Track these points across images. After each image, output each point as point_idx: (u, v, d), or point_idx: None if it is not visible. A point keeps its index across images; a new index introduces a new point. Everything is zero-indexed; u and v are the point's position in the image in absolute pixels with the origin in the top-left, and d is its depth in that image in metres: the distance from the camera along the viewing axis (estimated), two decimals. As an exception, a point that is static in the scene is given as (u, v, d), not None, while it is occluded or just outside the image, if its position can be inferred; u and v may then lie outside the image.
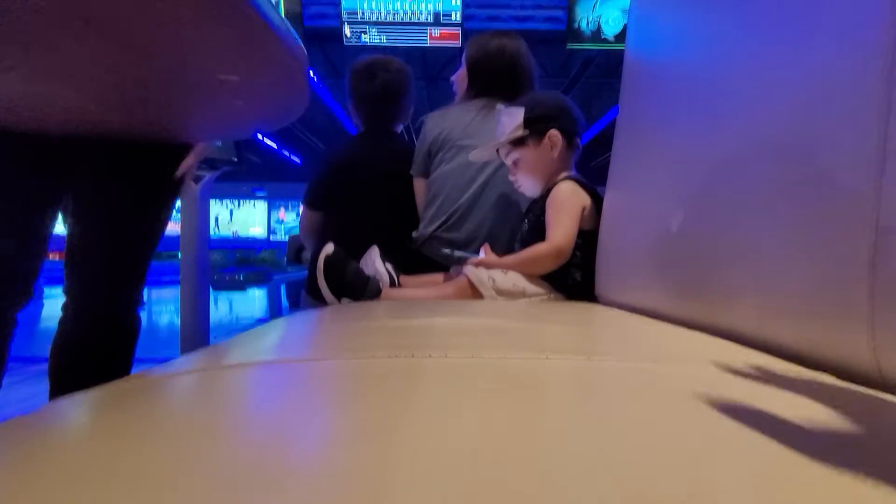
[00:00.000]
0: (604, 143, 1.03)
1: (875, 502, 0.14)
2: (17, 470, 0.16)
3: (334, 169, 1.26)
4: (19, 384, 2.04)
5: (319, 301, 0.98)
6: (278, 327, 0.52)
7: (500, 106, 0.99)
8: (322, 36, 5.86)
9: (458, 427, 0.19)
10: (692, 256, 0.54)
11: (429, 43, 4.95)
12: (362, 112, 1.32)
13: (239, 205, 10.75)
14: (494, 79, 1.20)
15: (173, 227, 1.60)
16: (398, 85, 1.31)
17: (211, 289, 2.26)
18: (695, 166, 0.56)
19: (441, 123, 1.20)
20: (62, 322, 0.95)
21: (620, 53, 0.90)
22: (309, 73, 0.71)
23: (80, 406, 0.25)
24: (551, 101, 0.96)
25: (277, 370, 0.29)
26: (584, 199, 0.88)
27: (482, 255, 0.92)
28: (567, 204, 0.86)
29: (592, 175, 1.00)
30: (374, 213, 1.23)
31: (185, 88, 0.71)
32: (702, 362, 0.32)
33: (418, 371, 0.28)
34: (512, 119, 0.93)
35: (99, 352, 0.93)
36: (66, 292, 0.94)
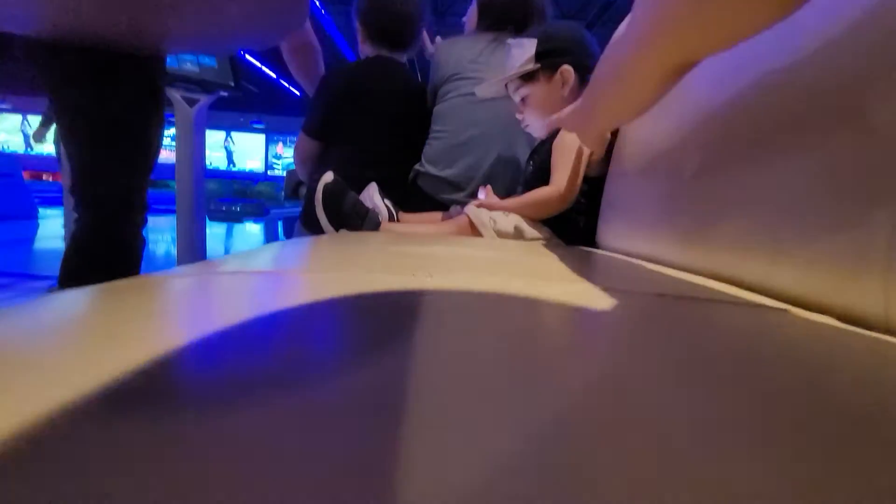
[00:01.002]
0: None
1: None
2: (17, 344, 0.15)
3: (337, 95, 1.18)
4: (16, 299, 2.07)
5: (315, 233, 0.98)
6: (276, 247, 0.51)
7: (510, 39, 0.93)
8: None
9: (459, 342, 0.18)
10: (703, 202, 0.52)
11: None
12: (373, 34, 1.23)
13: (232, 140, 10.46)
14: (504, 11, 1.13)
15: (169, 155, 1.55)
16: (415, 7, 1.22)
17: (207, 219, 2.24)
18: (715, 109, 0.53)
19: (451, 53, 1.15)
20: (71, 239, 0.96)
21: None
22: None
23: (75, 297, 0.25)
24: (566, 32, 0.89)
25: (272, 278, 0.28)
26: None
27: (482, 195, 0.90)
28: (574, 148, 0.83)
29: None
30: (375, 147, 1.17)
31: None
32: (703, 297, 0.31)
33: (419, 290, 0.27)
34: (523, 51, 0.87)
35: (102, 270, 0.94)
36: (74, 209, 0.96)
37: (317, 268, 0.31)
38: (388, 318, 0.21)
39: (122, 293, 0.25)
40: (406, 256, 0.39)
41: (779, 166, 0.40)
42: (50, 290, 2.19)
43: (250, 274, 0.30)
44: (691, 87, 0.61)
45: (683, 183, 0.56)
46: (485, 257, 0.45)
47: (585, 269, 0.49)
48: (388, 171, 1.13)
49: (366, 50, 1.26)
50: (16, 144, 8.94)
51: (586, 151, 0.83)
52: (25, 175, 5.27)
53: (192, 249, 1.57)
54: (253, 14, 0.71)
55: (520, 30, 1.09)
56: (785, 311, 0.31)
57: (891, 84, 0.29)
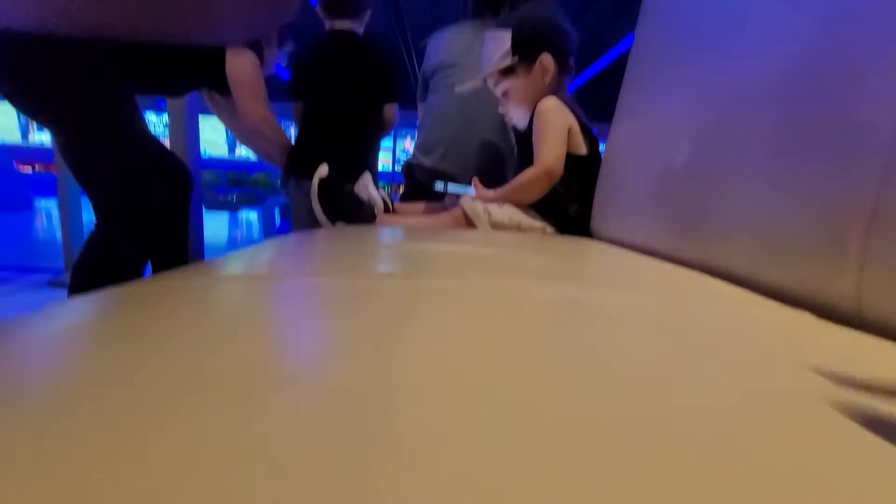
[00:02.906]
0: (616, 75, 0.96)
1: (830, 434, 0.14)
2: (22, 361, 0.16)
3: (301, 72, 1.29)
4: (18, 293, 2.07)
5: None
6: (272, 246, 0.52)
7: (487, 33, 0.91)
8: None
9: (448, 344, 0.19)
10: (693, 194, 0.53)
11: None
12: (321, 4, 1.29)
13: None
14: None
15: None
16: None
17: (203, 208, 2.24)
18: (707, 102, 0.54)
19: (438, 46, 1.15)
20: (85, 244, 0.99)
21: None
22: None
23: (71, 310, 0.26)
24: (539, 18, 0.87)
25: (269, 284, 0.29)
26: (568, 117, 0.83)
27: (473, 190, 0.90)
28: (551, 122, 0.82)
29: (603, 109, 0.95)
30: (330, 111, 1.28)
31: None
32: (685, 293, 0.33)
33: (412, 291, 0.28)
34: (498, 45, 0.86)
35: (109, 255, 0.97)
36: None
37: (312, 272, 0.32)
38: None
39: (133, 300, 0.26)
40: (400, 257, 0.40)
41: (763, 162, 0.41)
42: (49, 282, 2.21)
43: (248, 279, 0.31)
44: (686, 77, 0.61)
45: (674, 173, 0.57)
46: (478, 253, 0.46)
47: (577, 264, 0.50)
48: (344, 135, 1.26)
49: (326, 23, 1.32)
50: (14, 137, 8.84)
51: (564, 122, 0.82)
52: (25, 167, 5.22)
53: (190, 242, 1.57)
54: (244, 4, 0.71)
55: (497, 14, 1.08)
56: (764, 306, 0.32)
57: (866, 85, 0.30)
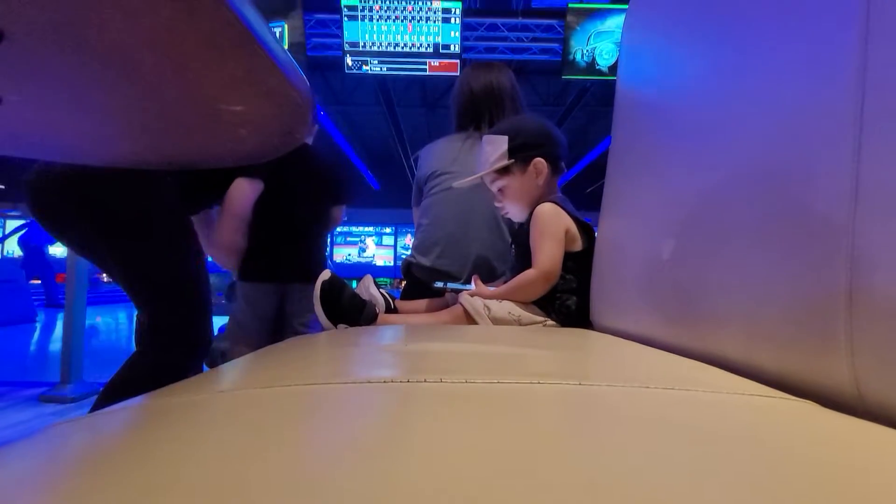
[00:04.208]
0: (600, 169, 1.05)
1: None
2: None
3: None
4: (9, 409, 2.01)
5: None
6: (276, 352, 0.52)
7: (484, 135, 0.99)
8: (325, 64, 6.01)
9: (452, 451, 0.20)
10: (682, 284, 0.55)
11: (428, 72, 5.09)
12: None
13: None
14: (476, 110, 1.25)
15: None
16: None
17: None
18: (683, 197, 0.58)
19: (429, 156, 1.26)
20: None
21: (615, 84, 0.93)
22: (314, 103, 0.74)
23: (80, 429, 0.26)
24: (535, 128, 0.96)
25: (274, 395, 0.30)
26: (565, 220, 0.88)
27: (473, 286, 0.93)
28: (548, 227, 0.87)
29: (589, 200, 1.02)
30: (280, 215, 1.37)
31: (191, 117, 0.73)
32: (691, 388, 0.33)
33: (413, 396, 0.28)
34: (495, 148, 0.94)
35: (141, 369, 0.99)
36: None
37: (316, 380, 0.33)
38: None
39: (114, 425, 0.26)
40: (401, 360, 0.41)
41: (743, 255, 0.43)
42: (41, 397, 2.14)
43: (250, 391, 0.31)
44: (660, 174, 0.67)
45: (662, 265, 0.59)
46: (478, 352, 0.47)
47: (579, 359, 0.50)
48: (297, 247, 1.37)
49: None
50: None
51: (561, 226, 0.87)
52: (35, 280, 5.34)
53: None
54: (262, 135, 0.79)
55: (493, 123, 1.19)
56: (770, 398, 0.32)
57: (829, 182, 0.33)
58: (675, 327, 0.56)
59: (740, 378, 0.38)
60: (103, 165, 0.87)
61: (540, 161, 0.93)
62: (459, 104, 1.28)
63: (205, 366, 1.51)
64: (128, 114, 0.67)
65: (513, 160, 0.93)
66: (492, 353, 0.45)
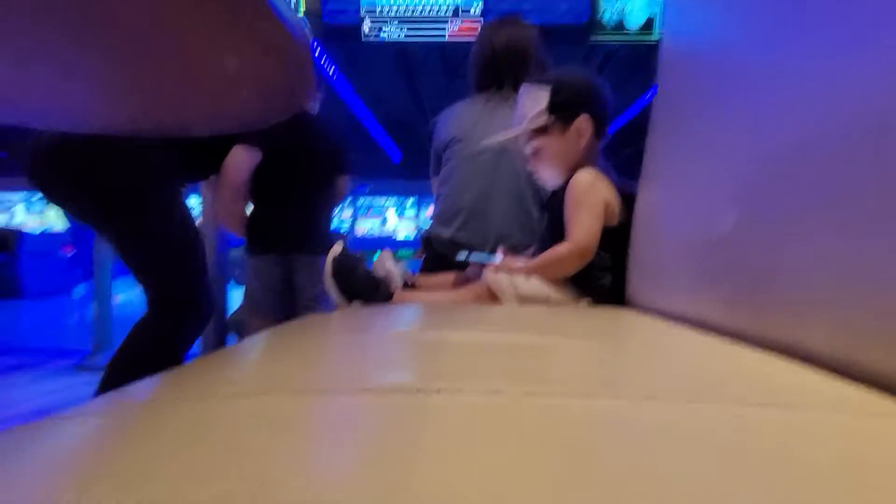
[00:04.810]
0: (627, 135, 0.93)
1: None
2: None
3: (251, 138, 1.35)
4: (45, 379, 2.08)
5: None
6: (277, 341, 0.47)
7: (523, 86, 0.88)
8: (341, 33, 5.86)
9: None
10: (747, 261, 0.46)
11: (447, 38, 4.87)
12: None
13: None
14: (498, 69, 1.13)
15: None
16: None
17: (234, 282, 2.26)
18: (751, 157, 0.49)
19: (447, 122, 1.16)
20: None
21: (643, 46, 0.82)
22: (313, 53, 0.67)
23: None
24: (580, 81, 0.85)
25: (254, 406, 0.24)
26: (605, 191, 0.79)
27: (499, 257, 0.85)
28: (586, 197, 0.77)
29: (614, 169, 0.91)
30: (282, 186, 1.35)
31: (185, 78, 0.66)
32: (795, 406, 0.25)
33: (424, 414, 0.22)
34: (534, 102, 0.83)
35: (158, 341, 0.98)
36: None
37: (312, 388, 0.27)
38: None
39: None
40: (412, 356, 0.34)
41: (834, 225, 0.34)
42: (76, 366, 2.21)
43: (239, 398, 0.25)
44: (721, 132, 0.57)
45: (722, 239, 0.50)
46: (505, 345, 0.40)
47: (628, 356, 0.43)
48: (299, 218, 1.35)
49: None
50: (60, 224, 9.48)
51: (600, 198, 0.78)
52: (67, 249, 5.54)
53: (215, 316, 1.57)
54: (265, 96, 0.72)
55: (517, 84, 1.08)
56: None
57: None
58: (736, 310, 0.48)
59: (844, 382, 0.30)
60: (94, 133, 0.82)
61: (584, 120, 0.82)
62: (479, 63, 1.16)
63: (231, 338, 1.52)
64: (107, 72, 0.60)
65: (553, 118, 0.82)
66: (521, 347, 0.38)
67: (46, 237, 5.51)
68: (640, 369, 0.33)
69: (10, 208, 8.87)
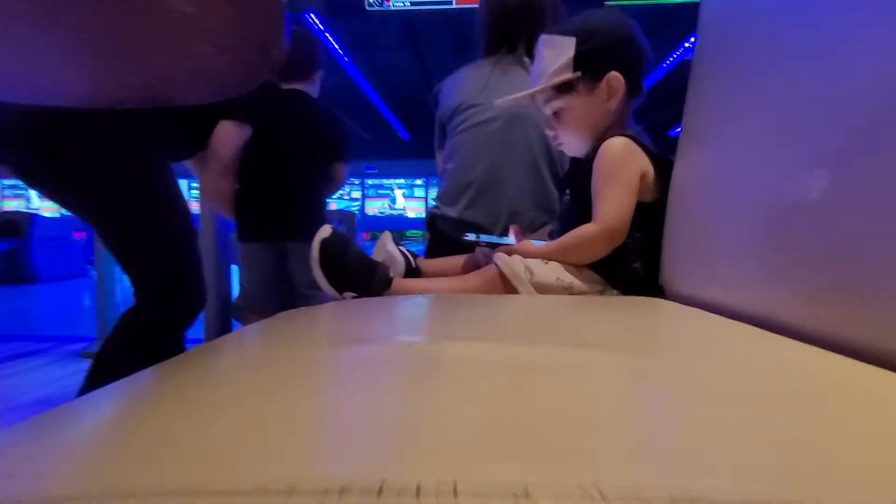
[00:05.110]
0: (651, 102, 0.80)
1: None
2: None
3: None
4: (49, 365, 2.05)
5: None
6: (239, 342, 0.38)
7: (543, 36, 0.74)
8: (346, 8, 5.65)
9: None
10: (831, 245, 0.36)
11: (455, 5, 4.64)
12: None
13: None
14: (510, 27, 0.99)
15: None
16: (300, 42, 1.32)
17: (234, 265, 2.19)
18: (834, 115, 0.37)
19: (453, 88, 1.03)
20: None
21: (662, 8, 0.68)
22: (284, 9, 0.56)
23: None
24: (611, 28, 0.70)
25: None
26: (640, 161, 0.66)
27: (512, 238, 0.74)
28: (619, 169, 0.65)
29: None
30: (274, 169, 1.29)
31: (143, 30, 0.56)
32: None
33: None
34: (556, 54, 0.69)
35: (145, 331, 0.91)
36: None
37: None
38: None
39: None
40: (389, 392, 0.24)
41: None
42: (81, 353, 2.18)
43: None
44: (792, 87, 0.45)
45: (800, 212, 0.39)
46: (517, 366, 0.30)
47: (691, 383, 0.33)
48: (291, 201, 1.29)
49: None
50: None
51: (635, 169, 0.66)
52: (79, 234, 5.56)
53: (216, 298, 1.50)
54: (230, 53, 0.61)
55: (530, 46, 0.94)
56: None
57: None
58: (814, 307, 0.38)
59: None
60: (61, 105, 0.72)
61: (616, 77, 0.68)
62: (489, 21, 1.03)
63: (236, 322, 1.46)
64: (58, 34, 0.50)
65: (579, 73, 0.69)
66: (539, 362, 0.28)
67: (59, 221, 5.50)
68: (722, 401, 0.23)
69: (25, 194, 8.94)
